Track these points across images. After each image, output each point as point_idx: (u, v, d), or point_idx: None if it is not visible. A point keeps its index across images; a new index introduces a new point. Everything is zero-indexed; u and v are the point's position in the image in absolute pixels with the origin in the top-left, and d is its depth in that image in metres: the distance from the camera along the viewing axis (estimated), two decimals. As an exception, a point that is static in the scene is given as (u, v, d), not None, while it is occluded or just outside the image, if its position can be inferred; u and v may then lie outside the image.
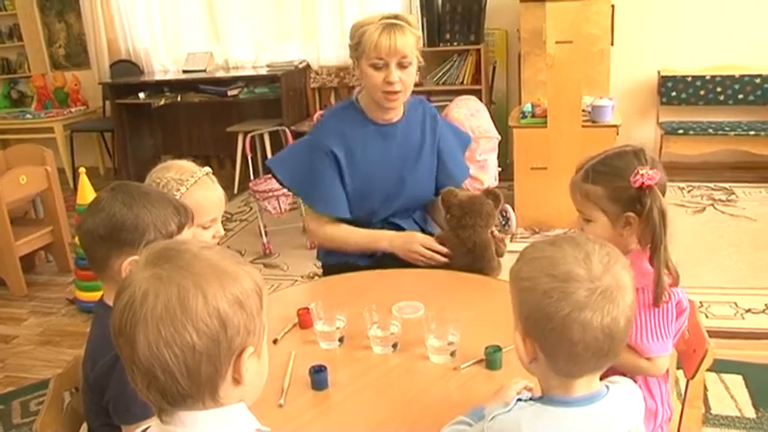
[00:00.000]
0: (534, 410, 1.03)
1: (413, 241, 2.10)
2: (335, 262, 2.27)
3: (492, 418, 1.04)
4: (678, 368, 1.74)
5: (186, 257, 0.89)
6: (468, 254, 2.05)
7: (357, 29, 2.06)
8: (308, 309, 1.71)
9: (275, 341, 1.66)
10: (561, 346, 0.98)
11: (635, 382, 1.45)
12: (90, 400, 1.36)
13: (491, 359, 1.47)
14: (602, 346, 0.98)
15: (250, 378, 0.91)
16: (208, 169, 1.72)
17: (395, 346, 1.58)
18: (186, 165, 1.71)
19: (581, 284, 0.97)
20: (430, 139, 2.24)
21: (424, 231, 2.32)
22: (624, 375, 1.43)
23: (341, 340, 1.64)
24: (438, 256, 2.06)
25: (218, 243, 1.85)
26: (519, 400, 1.04)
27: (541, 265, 1.00)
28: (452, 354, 1.52)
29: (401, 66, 2.04)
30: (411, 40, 2.03)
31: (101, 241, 1.33)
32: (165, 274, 0.86)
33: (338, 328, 1.64)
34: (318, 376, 1.46)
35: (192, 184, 1.65)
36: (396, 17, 2.05)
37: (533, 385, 1.20)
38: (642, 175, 1.37)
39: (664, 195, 1.42)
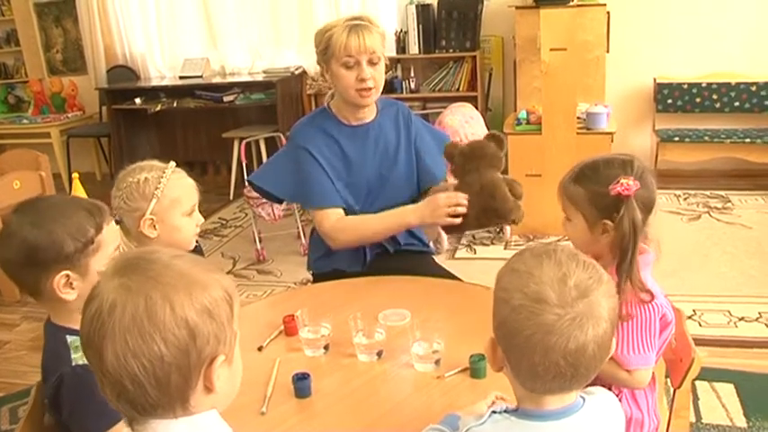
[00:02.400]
0: (508, 424, 1.02)
1: (436, 206, 2.00)
2: (326, 270, 2.27)
3: (466, 431, 1.03)
4: (667, 377, 1.73)
5: (155, 267, 0.88)
6: (478, 197, 1.96)
7: (323, 33, 2.10)
8: (294, 316, 1.70)
9: (260, 348, 1.66)
10: (523, 362, 0.97)
11: (620, 391, 1.46)
12: (53, 419, 1.36)
13: (475, 368, 1.46)
14: (563, 372, 0.96)
15: (221, 385, 0.90)
16: (173, 163, 1.75)
17: (380, 354, 1.58)
18: (153, 162, 1.73)
19: (550, 308, 0.94)
20: (405, 138, 2.25)
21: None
22: (606, 385, 1.43)
23: (326, 348, 1.63)
24: (462, 204, 1.97)
25: (199, 245, 1.87)
26: (493, 412, 1.03)
27: (519, 279, 0.99)
28: (437, 362, 1.52)
29: (371, 63, 2.07)
30: (377, 38, 2.08)
31: (23, 268, 1.30)
32: (133, 285, 0.85)
33: (323, 335, 1.63)
34: (301, 384, 1.46)
35: (169, 175, 1.69)
36: (359, 18, 2.10)
37: (506, 396, 1.19)
38: (621, 184, 1.37)
39: (649, 212, 1.42)
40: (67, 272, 1.30)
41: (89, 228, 1.33)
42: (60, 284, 1.30)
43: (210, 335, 0.87)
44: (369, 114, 2.21)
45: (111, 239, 1.39)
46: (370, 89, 2.09)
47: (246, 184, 4.35)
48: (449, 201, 1.97)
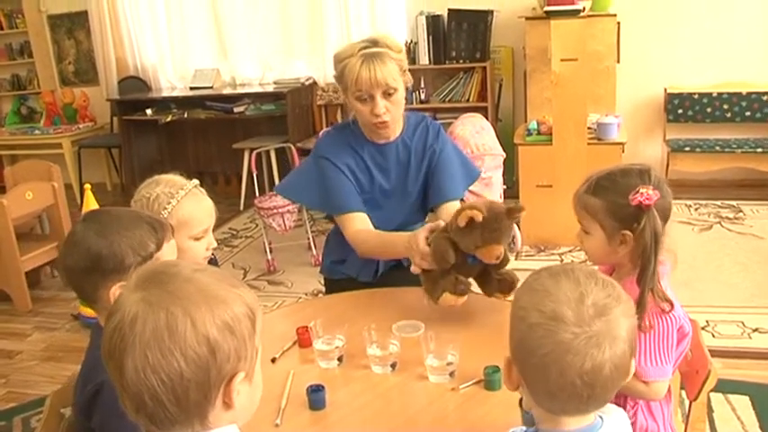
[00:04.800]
0: None
1: (412, 250, 1.83)
2: (337, 277, 2.27)
3: None
4: (682, 388, 1.72)
5: (177, 282, 0.87)
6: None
7: (338, 61, 2.03)
8: (308, 327, 1.70)
9: (274, 360, 1.66)
10: (539, 382, 0.96)
11: (636, 403, 1.45)
12: (79, 423, 1.36)
13: (490, 380, 1.46)
14: (579, 392, 0.94)
15: (241, 402, 0.90)
16: (196, 182, 1.74)
17: (393, 365, 1.57)
18: (175, 178, 1.72)
19: (567, 327, 0.93)
20: (430, 154, 2.19)
21: None
22: (621, 396, 1.43)
23: (340, 359, 1.63)
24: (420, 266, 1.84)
25: (214, 256, 1.85)
26: None
27: (536, 297, 0.97)
28: (451, 374, 1.51)
29: (386, 94, 2.00)
30: (392, 68, 1.98)
31: (84, 275, 1.32)
32: (155, 299, 0.85)
33: (337, 347, 1.63)
34: (316, 396, 1.45)
35: (182, 196, 1.67)
36: (375, 43, 2.01)
37: None
38: (641, 193, 1.36)
39: (666, 220, 1.41)
40: (124, 283, 1.30)
41: (150, 243, 1.34)
42: (116, 295, 1.30)
43: (231, 352, 0.86)
44: (393, 133, 2.15)
45: (169, 256, 1.39)
46: (385, 122, 2.04)
47: (258, 193, 4.38)
48: (418, 255, 1.81)
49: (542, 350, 0.93)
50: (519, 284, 1.75)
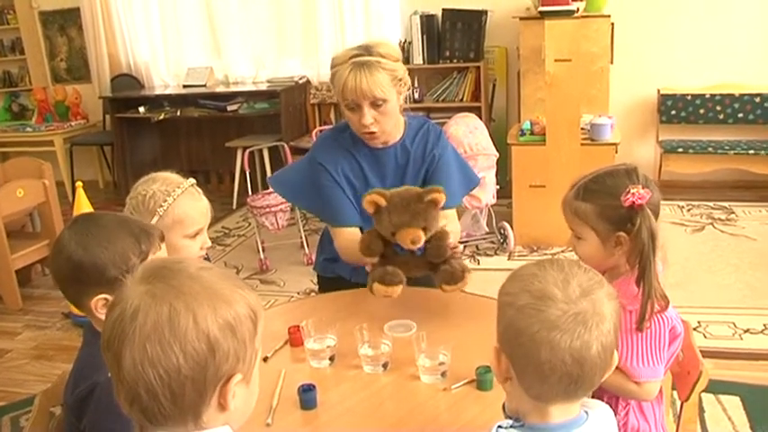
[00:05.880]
0: None
1: None
2: (330, 275, 2.26)
3: None
4: (673, 389, 1.72)
5: (181, 277, 0.87)
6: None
7: (331, 67, 2.01)
8: (299, 326, 1.69)
9: (266, 359, 1.65)
10: (529, 364, 0.97)
11: (628, 403, 1.45)
12: (69, 422, 1.35)
13: (482, 380, 1.46)
14: (570, 371, 0.95)
15: (237, 404, 0.89)
16: (192, 180, 1.73)
17: (385, 365, 1.57)
18: (172, 176, 1.72)
19: (554, 304, 0.95)
20: (429, 160, 2.16)
21: None
22: (614, 397, 1.43)
23: (331, 359, 1.62)
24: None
25: (208, 256, 1.84)
26: (499, 427, 1.02)
27: (523, 281, 1.00)
28: (443, 374, 1.51)
29: (374, 105, 1.96)
30: (382, 78, 1.94)
31: (67, 281, 1.32)
32: (158, 293, 0.85)
33: (329, 346, 1.63)
34: (307, 395, 1.45)
35: (178, 195, 1.66)
36: (369, 51, 1.96)
37: None
38: (633, 194, 1.36)
39: (657, 216, 1.41)
40: (105, 296, 1.29)
41: (132, 256, 1.31)
42: (98, 306, 1.30)
43: (230, 352, 0.86)
44: (391, 139, 2.12)
45: None
46: (373, 133, 2.02)
47: (250, 192, 4.36)
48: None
49: (531, 329, 0.95)
50: (468, 275, 1.79)
